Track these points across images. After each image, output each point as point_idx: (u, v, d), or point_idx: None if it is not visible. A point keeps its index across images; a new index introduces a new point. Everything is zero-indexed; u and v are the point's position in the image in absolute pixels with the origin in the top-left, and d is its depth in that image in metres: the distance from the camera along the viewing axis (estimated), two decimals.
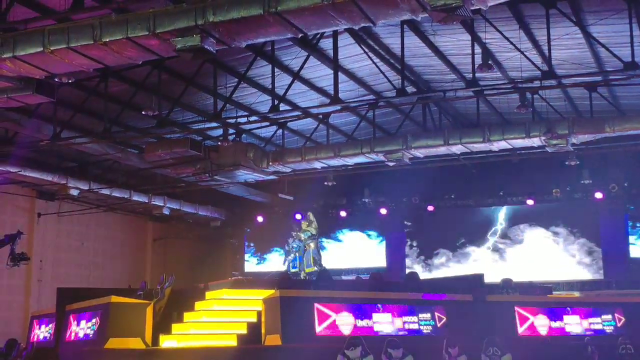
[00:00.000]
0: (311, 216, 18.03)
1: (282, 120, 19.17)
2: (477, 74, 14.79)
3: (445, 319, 12.92)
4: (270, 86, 16.06)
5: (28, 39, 10.99)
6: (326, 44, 15.49)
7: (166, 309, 14.04)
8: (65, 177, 20.42)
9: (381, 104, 18.45)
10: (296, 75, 16.34)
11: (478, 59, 14.36)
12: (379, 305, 12.65)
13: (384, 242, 25.99)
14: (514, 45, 14.41)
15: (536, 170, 21.78)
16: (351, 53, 16.05)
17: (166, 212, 24.27)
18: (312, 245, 17.57)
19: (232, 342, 12.59)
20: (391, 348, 10.39)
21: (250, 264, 27.33)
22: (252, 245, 27.61)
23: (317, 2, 9.50)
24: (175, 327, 13.58)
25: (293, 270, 17.46)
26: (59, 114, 16.88)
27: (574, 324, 14.13)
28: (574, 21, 13.66)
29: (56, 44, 10.80)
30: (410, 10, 9.41)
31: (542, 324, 13.78)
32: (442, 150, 18.33)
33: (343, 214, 25.92)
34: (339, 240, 26.53)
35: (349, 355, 10.04)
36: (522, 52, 14.53)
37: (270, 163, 19.51)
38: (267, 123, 19.14)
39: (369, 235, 26.32)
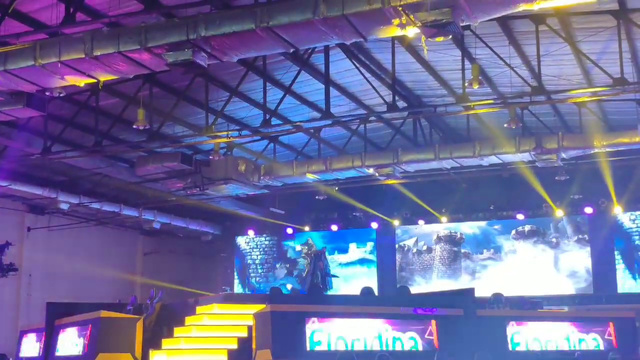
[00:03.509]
0: (310, 240, 18.39)
1: (273, 135, 19.20)
2: (467, 89, 14.88)
3: (436, 333, 12.91)
4: (262, 100, 16.09)
5: (19, 52, 11.01)
6: (318, 59, 15.55)
7: (156, 324, 13.98)
8: (56, 191, 20.36)
9: (372, 119, 18.50)
10: (288, 90, 16.38)
11: (468, 74, 14.44)
12: (370, 319, 12.62)
13: (375, 256, 25.95)
14: (503, 60, 14.51)
15: (526, 185, 21.82)
16: (342, 68, 16.10)
17: (156, 226, 24.19)
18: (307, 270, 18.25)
19: (223, 357, 12.54)
20: None
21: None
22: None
23: (309, 17, 9.56)
24: (166, 342, 13.51)
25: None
26: (49, 127, 16.85)
27: (564, 339, 14.14)
28: (563, 37, 13.77)
29: (47, 58, 10.82)
30: (401, 26, 9.49)
31: (532, 338, 13.78)
32: (433, 164, 18.42)
33: (334, 227, 25.90)
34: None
35: None
36: (511, 68, 14.63)
37: (262, 177, 19.54)
38: (259, 137, 19.16)
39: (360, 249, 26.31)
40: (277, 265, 26.40)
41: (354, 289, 20.03)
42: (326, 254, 19.74)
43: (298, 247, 25.36)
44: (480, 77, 14.18)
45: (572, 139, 17.17)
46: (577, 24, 13.68)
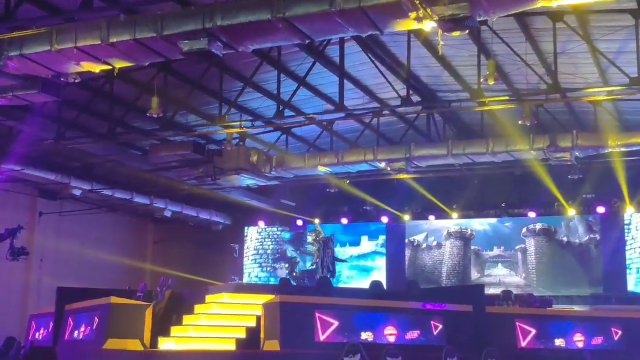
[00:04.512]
0: (318, 227, 18.43)
1: (286, 126, 19.19)
2: (482, 85, 14.80)
3: (444, 329, 12.90)
4: (276, 91, 16.08)
5: (35, 37, 11.03)
6: (333, 51, 15.51)
7: (165, 312, 14.03)
8: (68, 176, 20.43)
9: (386, 112, 18.45)
10: (302, 81, 16.36)
11: (484, 70, 14.36)
12: (379, 313, 12.63)
13: (385, 250, 25.94)
14: (520, 57, 14.42)
15: (538, 183, 21.74)
16: (357, 61, 16.06)
17: (167, 214, 24.27)
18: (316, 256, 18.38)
19: (231, 346, 12.58)
20: (390, 357, 10.35)
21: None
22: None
23: (325, 8, 9.53)
24: (174, 330, 13.56)
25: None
26: (63, 113, 16.91)
27: (572, 338, 14.10)
28: (580, 35, 13.68)
29: (63, 43, 10.83)
30: (418, 20, 9.45)
31: (541, 337, 13.75)
32: (446, 160, 18.34)
33: (344, 221, 25.90)
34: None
35: None
36: (528, 65, 14.55)
37: (273, 168, 19.54)
38: (271, 128, 19.16)
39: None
40: (277, 266, 26.47)
41: (366, 283, 20.04)
42: (334, 240, 19.87)
43: (309, 238, 25.69)
44: (495, 73, 14.11)
45: (586, 137, 17.05)
46: (594, 22, 13.59)
